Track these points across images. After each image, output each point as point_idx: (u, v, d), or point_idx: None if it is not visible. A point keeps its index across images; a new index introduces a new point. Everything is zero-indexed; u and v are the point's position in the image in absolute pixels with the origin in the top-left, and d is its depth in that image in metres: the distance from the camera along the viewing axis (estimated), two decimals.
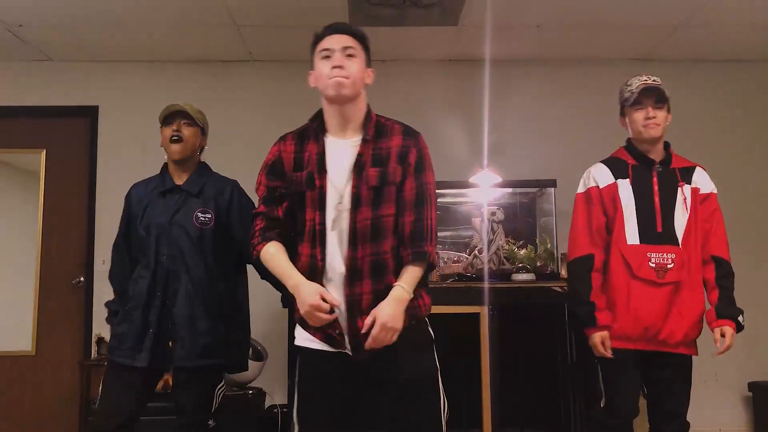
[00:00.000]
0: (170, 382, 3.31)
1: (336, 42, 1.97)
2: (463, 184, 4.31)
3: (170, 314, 2.50)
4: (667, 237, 2.47)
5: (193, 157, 2.68)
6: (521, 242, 4.14)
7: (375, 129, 2.01)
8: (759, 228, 4.45)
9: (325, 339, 1.95)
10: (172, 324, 2.49)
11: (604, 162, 2.64)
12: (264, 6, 3.71)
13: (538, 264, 3.91)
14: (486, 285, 3.68)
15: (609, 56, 4.44)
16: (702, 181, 2.57)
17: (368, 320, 1.87)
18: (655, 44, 4.28)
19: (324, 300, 1.87)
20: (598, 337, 2.49)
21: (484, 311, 3.56)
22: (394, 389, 1.94)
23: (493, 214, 4.18)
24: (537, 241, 4.17)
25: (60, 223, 4.44)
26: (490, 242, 4.13)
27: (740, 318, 2.50)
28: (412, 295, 1.92)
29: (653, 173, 2.53)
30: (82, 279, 4.37)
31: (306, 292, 1.89)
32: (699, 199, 2.54)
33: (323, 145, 2.00)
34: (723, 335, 2.47)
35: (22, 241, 4.46)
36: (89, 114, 4.47)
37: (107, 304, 2.70)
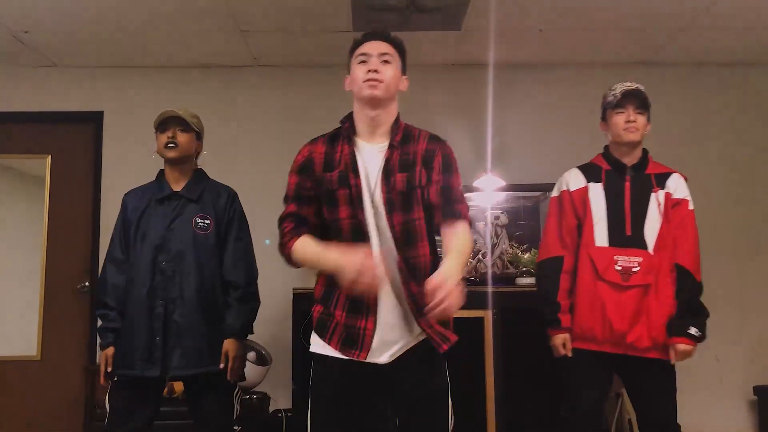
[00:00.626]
0: (175, 388, 3.33)
1: (373, 48, 2.01)
2: (467, 188, 4.31)
3: (171, 321, 2.49)
4: (636, 241, 2.48)
5: (190, 161, 2.68)
6: (525, 246, 4.14)
7: (402, 135, 2.04)
8: (763, 232, 4.44)
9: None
10: (172, 331, 2.49)
11: (579, 167, 2.68)
12: (268, 12, 3.73)
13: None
14: (490, 289, 3.69)
15: (612, 60, 4.44)
16: (676, 186, 2.57)
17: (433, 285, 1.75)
18: (659, 48, 4.28)
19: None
20: (559, 339, 2.53)
21: (488, 315, 3.57)
22: (406, 403, 1.95)
23: (497, 218, 4.19)
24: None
25: (65, 228, 4.46)
26: (493, 246, 4.14)
27: (692, 331, 2.45)
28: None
29: (626, 178, 2.55)
30: (87, 284, 4.38)
31: (353, 256, 1.80)
32: (671, 204, 2.54)
33: (354, 147, 2.02)
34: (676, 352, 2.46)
35: (28, 247, 4.48)
36: (94, 119, 4.49)
37: (103, 328, 2.58)
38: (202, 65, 4.50)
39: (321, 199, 2.01)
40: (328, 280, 1.96)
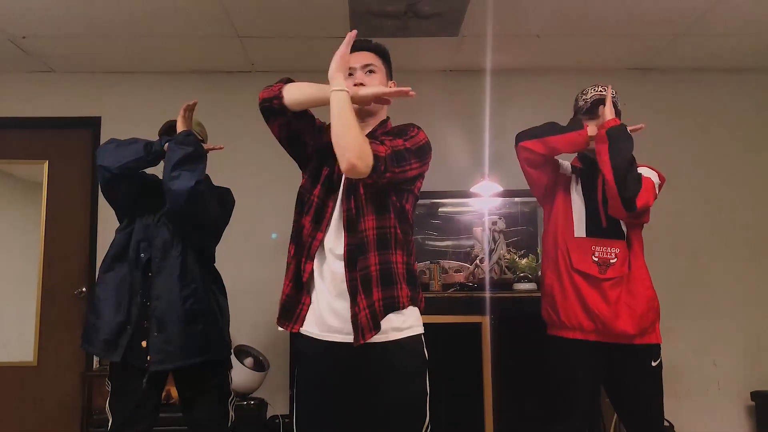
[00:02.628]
0: (172, 394, 3.31)
1: (357, 60, 2.05)
2: (465, 194, 4.33)
3: (150, 314, 2.47)
4: (613, 232, 2.53)
5: None
6: (522, 251, 4.15)
7: (383, 131, 2.06)
8: (761, 237, 4.45)
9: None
10: (152, 324, 2.46)
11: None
12: (266, 17, 3.73)
13: (539, 273, 3.92)
14: (488, 294, 3.69)
15: (609, 66, 4.45)
16: (643, 172, 2.59)
17: None
18: (655, 53, 4.30)
19: None
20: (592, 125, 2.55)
21: (486, 321, 3.57)
22: (381, 409, 1.93)
23: (495, 223, 4.20)
24: (538, 251, 4.17)
25: (62, 233, 4.45)
26: (491, 252, 4.15)
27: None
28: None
29: (599, 176, 2.58)
30: (84, 289, 4.37)
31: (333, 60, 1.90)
32: None
33: None
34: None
35: (25, 252, 4.47)
36: (92, 125, 4.48)
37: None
38: (200, 71, 4.51)
39: (307, 156, 2.05)
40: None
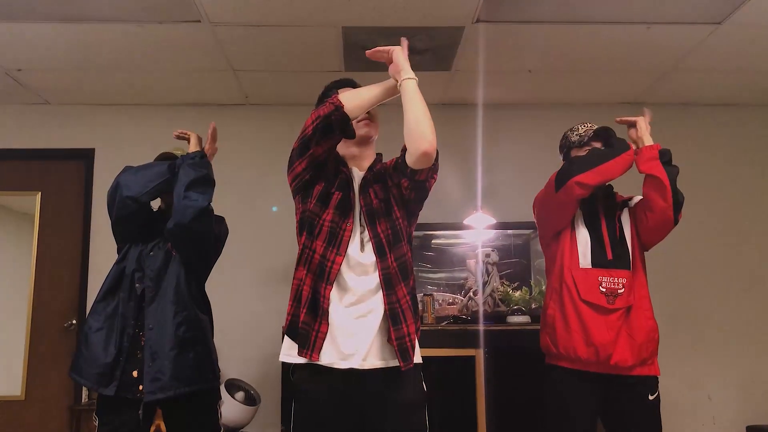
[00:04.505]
0: (162, 429, 3.26)
1: None
2: (458, 226, 4.33)
3: (141, 344, 2.44)
4: (619, 262, 2.54)
5: None
6: (516, 284, 4.14)
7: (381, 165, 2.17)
8: (754, 272, 4.46)
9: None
10: (142, 353, 2.43)
11: None
12: (261, 51, 3.77)
13: (533, 306, 3.90)
14: (481, 327, 3.67)
15: (599, 100, 4.50)
16: (636, 200, 2.68)
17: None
18: (645, 89, 4.35)
19: None
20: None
21: (479, 354, 3.55)
22: None
23: (488, 255, 4.19)
24: (531, 283, 4.17)
25: (53, 265, 4.42)
26: (484, 284, 4.13)
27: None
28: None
29: (599, 207, 2.61)
30: (74, 322, 4.33)
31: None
32: (633, 212, 2.66)
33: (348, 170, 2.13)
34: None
35: (15, 284, 4.44)
36: (85, 156, 4.49)
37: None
38: (194, 103, 4.53)
39: (315, 182, 2.05)
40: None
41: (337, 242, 1.98)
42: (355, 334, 1.92)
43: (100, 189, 4.47)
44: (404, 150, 2.03)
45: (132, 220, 2.57)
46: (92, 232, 4.41)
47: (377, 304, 1.95)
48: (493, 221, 4.28)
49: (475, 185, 4.33)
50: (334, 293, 1.95)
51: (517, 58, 3.89)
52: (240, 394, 3.83)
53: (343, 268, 1.96)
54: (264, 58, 3.87)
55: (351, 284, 1.95)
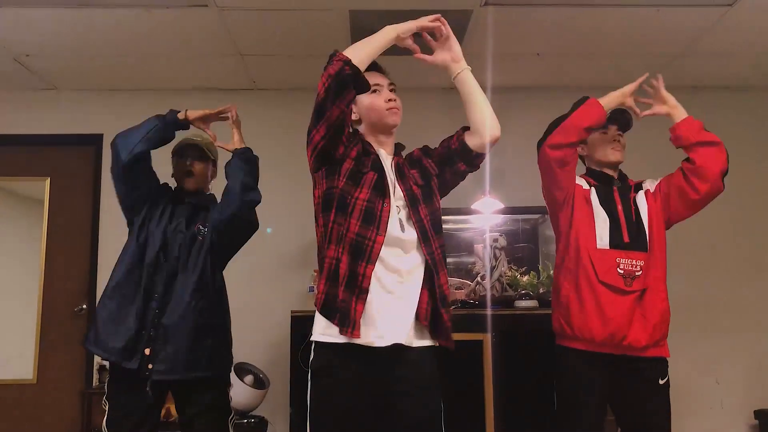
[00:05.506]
0: (171, 412, 3.29)
1: (381, 79, 2.14)
2: (466, 211, 4.33)
3: (160, 321, 2.46)
4: (636, 244, 2.52)
5: (205, 187, 2.79)
6: (524, 268, 4.14)
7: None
8: (764, 257, 4.45)
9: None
10: (159, 331, 2.46)
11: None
12: (268, 36, 3.76)
13: (541, 290, 3.91)
14: (489, 312, 3.68)
15: (609, 83, 4.43)
16: (649, 183, 2.67)
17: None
18: (656, 72, 4.31)
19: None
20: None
21: (487, 338, 3.56)
22: (401, 420, 1.93)
23: (496, 240, 4.19)
24: (539, 267, 4.17)
25: (63, 250, 4.46)
26: (492, 269, 4.14)
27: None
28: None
29: (614, 189, 2.61)
30: (84, 306, 4.37)
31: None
32: (652, 198, 2.63)
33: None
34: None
35: (25, 269, 4.47)
36: (94, 142, 4.50)
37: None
38: (201, 88, 4.52)
39: (337, 157, 2.02)
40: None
41: (377, 222, 1.95)
42: (393, 314, 1.93)
43: (108, 174, 4.40)
44: (458, 136, 2.18)
45: (140, 178, 2.66)
46: (101, 217, 4.43)
47: (415, 286, 1.97)
48: (501, 206, 4.27)
49: (483, 169, 4.30)
50: (375, 272, 1.93)
51: (525, 42, 3.86)
52: (249, 378, 3.86)
53: (386, 249, 1.95)
54: (271, 43, 3.86)
55: (392, 263, 1.95)
